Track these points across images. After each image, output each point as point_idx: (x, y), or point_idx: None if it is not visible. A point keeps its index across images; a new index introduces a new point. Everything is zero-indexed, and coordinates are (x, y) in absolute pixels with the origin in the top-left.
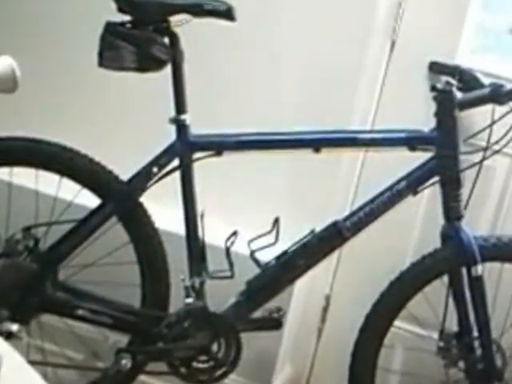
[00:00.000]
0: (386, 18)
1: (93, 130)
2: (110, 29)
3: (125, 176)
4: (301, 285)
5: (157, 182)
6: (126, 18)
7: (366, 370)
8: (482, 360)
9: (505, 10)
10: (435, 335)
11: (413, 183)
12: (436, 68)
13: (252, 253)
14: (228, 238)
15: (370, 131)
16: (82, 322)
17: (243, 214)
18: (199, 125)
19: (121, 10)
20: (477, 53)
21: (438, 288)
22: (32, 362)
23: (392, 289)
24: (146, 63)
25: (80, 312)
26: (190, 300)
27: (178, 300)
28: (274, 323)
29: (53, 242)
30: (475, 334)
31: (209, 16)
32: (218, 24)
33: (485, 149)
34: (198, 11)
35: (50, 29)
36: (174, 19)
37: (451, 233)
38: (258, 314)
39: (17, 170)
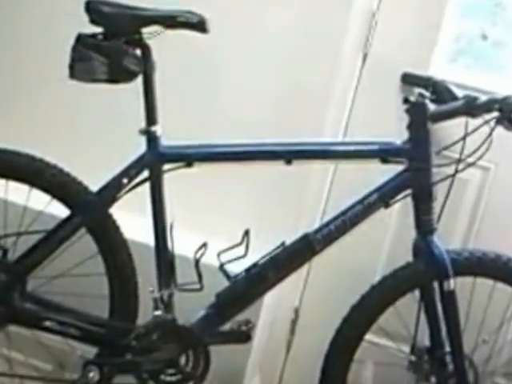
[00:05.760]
0: (358, 28)
1: (63, 141)
2: (82, 40)
3: (94, 187)
4: (270, 297)
5: (126, 193)
6: (98, 29)
7: None
8: (454, 375)
9: (477, 16)
10: (407, 349)
11: (384, 196)
12: (409, 79)
13: (221, 265)
14: (197, 250)
15: (342, 143)
16: (49, 334)
17: (213, 225)
18: (170, 136)
19: (93, 21)
20: (448, 59)
21: (410, 302)
22: None
23: (363, 302)
24: (118, 75)
25: (48, 323)
26: (158, 312)
27: (146, 312)
28: (243, 336)
29: (21, 253)
30: (447, 348)
31: (181, 28)
32: (191, 35)
33: (458, 161)
34: (170, 23)
35: (20, 40)
36: (147, 31)
37: (423, 246)
38: (226, 326)
39: None
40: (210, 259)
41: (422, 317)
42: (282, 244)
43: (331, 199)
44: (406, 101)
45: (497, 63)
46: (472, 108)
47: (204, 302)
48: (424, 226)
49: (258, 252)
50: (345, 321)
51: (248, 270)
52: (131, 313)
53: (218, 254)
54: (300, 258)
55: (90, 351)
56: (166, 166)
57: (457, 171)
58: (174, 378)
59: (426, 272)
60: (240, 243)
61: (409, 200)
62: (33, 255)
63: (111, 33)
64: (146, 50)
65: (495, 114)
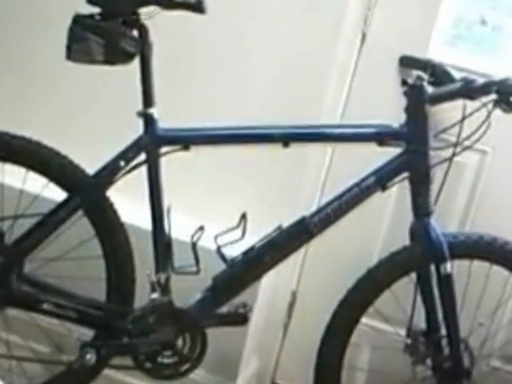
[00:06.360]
0: (357, 9)
1: (60, 123)
2: (79, 21)
3: (91, 170)
4: (267, 280)
5: (123, 175)
6: (96, 9)
7: (333, 367)
8: (450, 358)
9: (477, 1)
10: (403, 332)
11: (382, 179)
12: (407, 62)
13: (218, 248)
14: (194, 233)
15: (339, 126)
16: (47, 316)
17: (210, 208)
18: (167, 118)
19: (90, 1)
20: (447, 43)
21: (406, 285)
22: None
23: (359, 286)
24: (114, 56)
25: (45, 306)
26: (155, 295)
27: (143, 295)
28: (240, 319)
29: (18, 236)
30: (443, 332)
31: (179, 8)
32: (188, 16)
33: (455, 144)
34: (168, 3)
35: (15, 20)
36: (144, 11)
37: (420, 229)
38: (223, 309)
39: None
40: (206, 242)
41: (419, 300)
42: (279, 227)
43: (328, 182)
44: (404, 83)
45: (496, 48)
46: (470, 90)
47: (201, 285)
48: (421, 209)
49: (255, 235)
50: (341, 303)
51: (245, 253)
52: (128, 296)
53: (215, 237)
54: (297, 240)
55: (87, 334)
56: (163, 149)
57: (454, 154)
58: (170, 361)
59: (423, 255)
60: (237, 226)
61: (406, 183)
62: (30, 238)
63: (108, 13)
64: (143, 30)
65: (493, 96)
